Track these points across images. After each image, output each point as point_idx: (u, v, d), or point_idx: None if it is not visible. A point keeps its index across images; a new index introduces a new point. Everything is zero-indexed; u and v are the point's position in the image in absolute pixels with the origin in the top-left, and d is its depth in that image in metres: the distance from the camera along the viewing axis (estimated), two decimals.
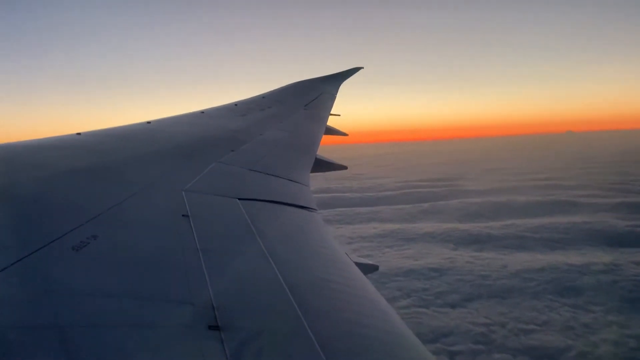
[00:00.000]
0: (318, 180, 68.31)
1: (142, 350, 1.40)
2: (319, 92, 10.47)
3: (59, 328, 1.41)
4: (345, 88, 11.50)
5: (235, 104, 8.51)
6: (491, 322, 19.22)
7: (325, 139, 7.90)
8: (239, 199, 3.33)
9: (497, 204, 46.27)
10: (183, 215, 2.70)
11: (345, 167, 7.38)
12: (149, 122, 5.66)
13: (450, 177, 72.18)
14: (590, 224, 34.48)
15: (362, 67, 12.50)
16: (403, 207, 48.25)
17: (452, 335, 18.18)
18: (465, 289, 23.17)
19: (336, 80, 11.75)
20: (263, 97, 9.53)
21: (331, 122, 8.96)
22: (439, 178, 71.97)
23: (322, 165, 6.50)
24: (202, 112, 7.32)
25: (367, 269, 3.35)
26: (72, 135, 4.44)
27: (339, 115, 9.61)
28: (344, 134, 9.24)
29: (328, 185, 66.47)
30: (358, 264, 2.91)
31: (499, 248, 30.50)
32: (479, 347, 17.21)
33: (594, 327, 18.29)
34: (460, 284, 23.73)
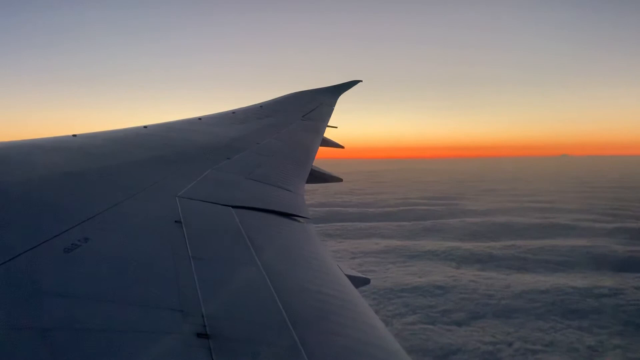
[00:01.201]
0: (317, 195, 68.69)
1: (130, 356, 1.39)
2: (317, 103, 10.49)
3: (47, 331, 1.40)
4: (343, 101, 11.51)
5: (233, 112, 8.53)
6: (498, 340, 19.51)
7: (322, 151, 7.96)
8: (233, 206, 3.31)
9: (496, 224, 46.72)
10: (176, 222, 2.68)
11: (340, 180, 7.46)
12: (145, 127, 5.67)
13: (449, 196, 72.71)
14: (591, 248, 34.89)
15: (361, 81, 12.55)
16: (404, 224, 48.60)
17: (460, 352, 18.45)
18: (470, 307, 23.45)
19: (334, 92, 11.73)
20: (261, 106, 9.56)
21: (328, 134, 9.02)
22: (437, 197, 72.49)
23: (317, 177, 6.54)
24: (200, 118, 7.32)
25: (359, 281, 3.38)
26: (67, 136, 4.39)
27: (336, 127, 9.67)
28: (341, 146, 9.31)
29: (328, 200, 66.86)
30: (350, 277, 2.92)
31: (501, 268, 30.83)
32: None
33: (599, 350, 18.62)
34: (465, 302, 24.01)
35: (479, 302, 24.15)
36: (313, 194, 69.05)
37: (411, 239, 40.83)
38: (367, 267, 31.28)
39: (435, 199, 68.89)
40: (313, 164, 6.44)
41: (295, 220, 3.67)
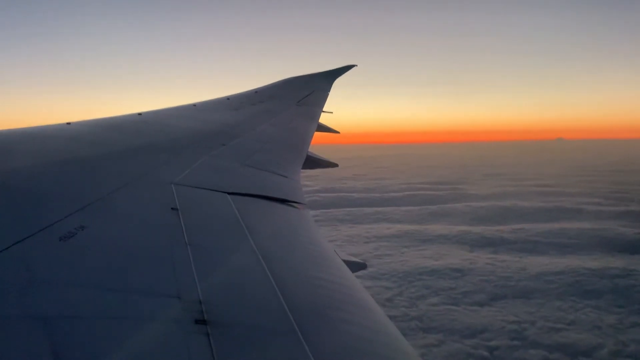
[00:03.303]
0: (321, 180, 69.24)
1: (128, 343, 1.39)
2: (312, 88, 10.44)
3: (44, 319, 1.39)
4: (337, 86, 11.48)
5: (228, 98, 8.49)
6: (521, 320, 20.29)
7: (318, 137, 7.97)
8: (229, 193, 3.31)
9: (503, 208, 47.44)
10: (172, 209, 2.68)
11: (336, 165, 7.46)
12: (140, 114, 5.63)
13: (452, 181, 73.44)
14: (598, 231, 35.69)
15: (356, 65, 12.44)
16: (411, 208, 49.28)
17: (487, 331, 19.20)
18: (489, 289, 24.23)
19: (329, 77, 11.66)
20: (256, 92, 9.54)
21: (323, 119, 9.03)
22: (440, 181, 73.17)
23: (313, 162, 6.51)
24: (194, 105, 7.29)
25: (355, 266, 3.41)
26: (62, 124, 4.35)
27: (332, 112, 9.62)
28: (336, 132, 9.32)
29: (332, 185, 67.48)
30: (346, 262, 2.96)
31: (514, 251, 31.61)
32: (515, 343, 18.28)
33: (619, 328, 19.44)
34: (485, 284, 24.79)
35: (497, 283, 24.93)
36: (316, 180, 69.67)
37: (421, 224, 41.54)
38: (382, 251, 32.01)
39: (438, 184, 69.55)
40: (309, 149, 6.45)
41: (292, 206, 3.71)
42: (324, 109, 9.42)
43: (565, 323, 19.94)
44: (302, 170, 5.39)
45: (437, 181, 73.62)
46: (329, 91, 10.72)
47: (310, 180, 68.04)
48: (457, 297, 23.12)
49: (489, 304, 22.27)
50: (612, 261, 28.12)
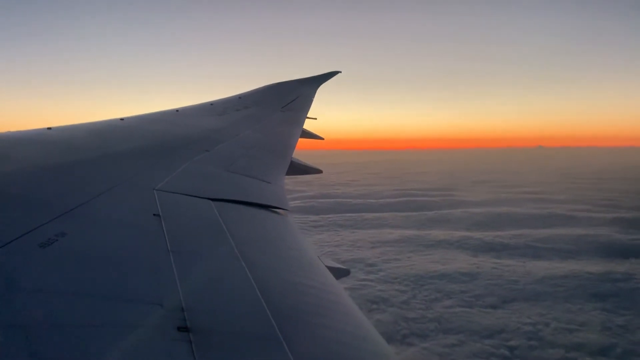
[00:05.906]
0: (315, 186, 70.00)
1: (110, 351, 1.38)
2: (296, 94, 10.43)
3: (23, 327, 1.38)
4: (322, 92, 11.54)
5: (211, 104, 8.49)
6: (534, 321, 21.24)
7: (302, 143, 7.95)
8: (212, 199, 3.29)
9: (498, 214, 48.63)
10: (154, 215, 2.65)
11: (320, 171, 7.41)
12: (122, 119, 5.60)
13: (443, 187, 74.69)
14: (594, 237, 36.99)
15: (340, 72, 12.57)
16: (409, 214, 50.18)
17: (504, 332, 20.11)
18: (499, 292, 25.18)
19: (314, 83, 11.66)
20: (239, 98, 9.51)
21: (307, 125, 9.02)
22: (432, 187, 74.40)
23: (297, 169, 6.51)
24: (177, 110, 7.24)
25: (339, 273, 3.39)
26: (42, 129, 4.31)
27: (316, 118, 9.65)
28: (320, 138, 9.30)
29: (327, 191, 68.29)
30: (330, 268, 2.96)
31: (516, 256, 32.66)
32: (533, 343, 19.21)
33: (629, 329, 20.49)
34: (494, 288, 25.74)
35: (506, 287, 25.90)
36: (310, 186, 70.39)
37: (421, 229, 42.44)
38: (389, 256, 32.80)
39: (431, 190, 70.69)
40: (293, 155, 6.45)
41: (275, 212, 3.72)
42: (308, 115, 9.46)
43: (577, 324, 20.93)
44: (289, 177, 5.48)
45: (428, 187, 74.82)
46: (314, 97, 10.71)
47: (304, 187, 68.67)
48: (470, 299, 24.00)
49: (501, 307, 23.19)
50: (612, 266, 29.24)
